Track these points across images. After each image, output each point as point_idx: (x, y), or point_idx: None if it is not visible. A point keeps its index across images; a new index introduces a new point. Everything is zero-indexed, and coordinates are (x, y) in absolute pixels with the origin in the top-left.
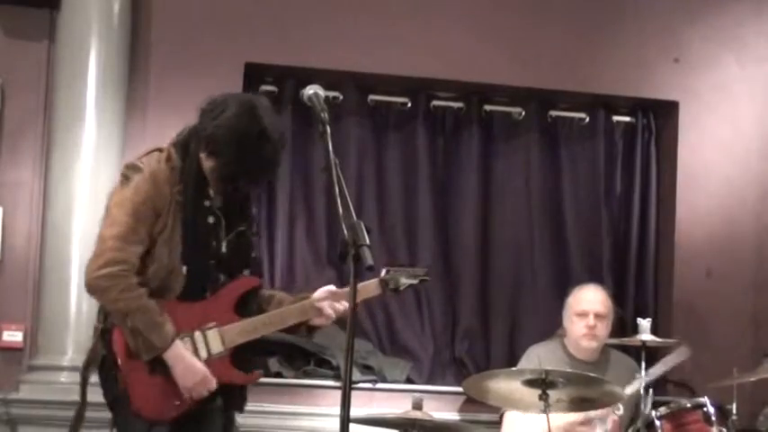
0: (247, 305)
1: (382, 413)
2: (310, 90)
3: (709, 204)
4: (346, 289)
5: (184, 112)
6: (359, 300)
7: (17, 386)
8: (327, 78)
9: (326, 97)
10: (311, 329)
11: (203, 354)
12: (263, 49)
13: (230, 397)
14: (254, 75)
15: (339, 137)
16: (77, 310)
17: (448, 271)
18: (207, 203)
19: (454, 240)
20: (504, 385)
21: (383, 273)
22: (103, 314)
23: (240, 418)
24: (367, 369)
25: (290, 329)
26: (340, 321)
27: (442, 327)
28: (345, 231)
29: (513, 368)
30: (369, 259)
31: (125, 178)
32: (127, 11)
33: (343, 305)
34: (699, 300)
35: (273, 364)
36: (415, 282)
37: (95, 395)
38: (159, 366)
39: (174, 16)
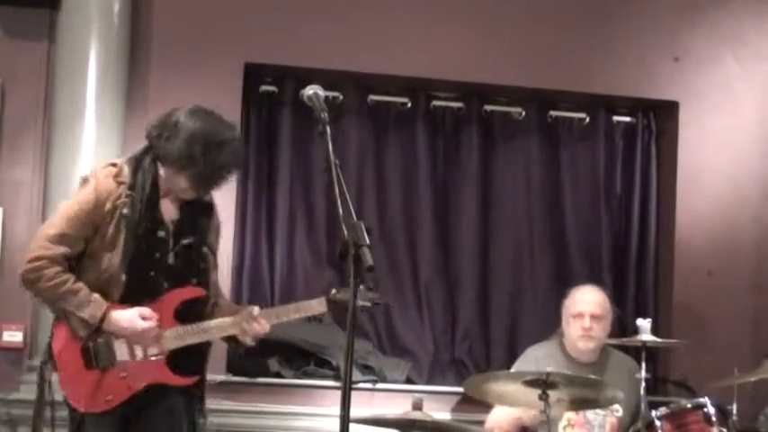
0: (190, 313)
1: (382, 413)
2: (310, 90)
3: (709, 204)
4: (273, 309)
5: None
6: (300, 316)
7: (17, 386)
8: (327, 78)
9: (326, 97)
10: (238, 344)
11: (139, 354)
12: (263, 49)
13: (178, 394)
14: (253, 75)
15: (339, 137)
16: None
17: (448, 271)
18: (156, 217)
19: (454, 240)
20: (505, 386)
21: (333, 291)
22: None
23: (240, 419)
24: (367, 369)
25: (224, 339)
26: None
27: (441, 327)
28: (345, 231)
29: (515, 370)
30: (369, 260)
31: (78, 188)
32: (127, 11)
33: (261, 327)
34: (699, 300)
35: (273, 364)
36: (367, 304)
37: None
38: (94, 361)
39: (174, 16)
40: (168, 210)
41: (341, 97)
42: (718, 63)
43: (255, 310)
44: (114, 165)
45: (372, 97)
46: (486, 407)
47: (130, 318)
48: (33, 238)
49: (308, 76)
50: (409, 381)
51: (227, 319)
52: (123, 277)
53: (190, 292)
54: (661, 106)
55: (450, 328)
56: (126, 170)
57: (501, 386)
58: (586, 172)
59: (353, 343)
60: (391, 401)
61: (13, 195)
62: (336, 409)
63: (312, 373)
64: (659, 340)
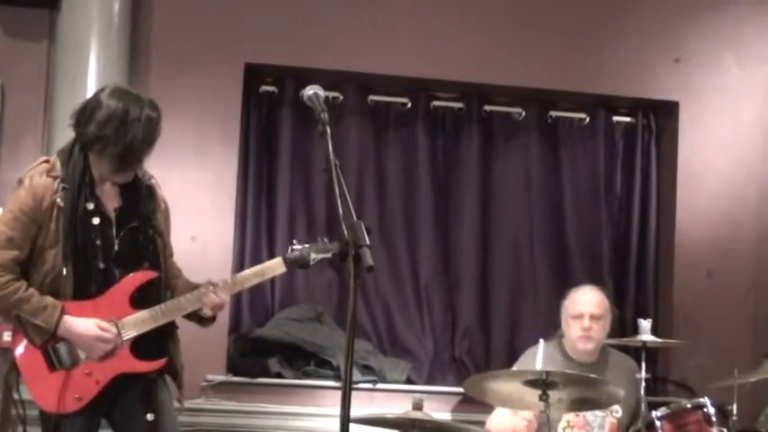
0: (146, 297)
1: (382, 413)
2: (310, 90)
3: (709, 204)
4: (232, 277)
5: (184, 111)
6: (265, 279)
7: (17, 387)
8: (327, 79)
9: (326, 97)
10: (202, 320)
11: None
12: (263, 50)
13: (152, 385)
14: (254, 75)
15: (339, 137)
16: None
17: (448, 271)
18: (90, 206)
19: (454, 240)
20: (505, 386)
21: (289, 250)
22: None
23: (241, 419)
24: (367, 369)
25: (187, 318)
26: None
27: (441, 327)
28: (345, 231)
29: (515, 369)
30: (369, 259)
31: (15, 190)
32: (127, 11)
33: (219, 297)
34: (699, 300)
35: (273, 364)
36: (327, 255)
37: None
38: (57, 362)
39: (174, 16)
40: (109, 197)
41: (341, 97)
42: (719, 64)
43: (213, 280)
44: (47, 161)
45: (372, 97)
46: (487, 407)
47: (87, 326)
48: None
49: (308, 77)
50: (409, 381)
51: (186, 297)
52: (64, 271)
53: (142, 276)
54: (661, 107)
55: (451, 328)
56: (58, 164)
57: (501, 386)
58: (586, 172)
59: (353, 343)
60: (391, 401)
61: None
62: (336, 410)
63: (312, 373)
64: (659, 340)
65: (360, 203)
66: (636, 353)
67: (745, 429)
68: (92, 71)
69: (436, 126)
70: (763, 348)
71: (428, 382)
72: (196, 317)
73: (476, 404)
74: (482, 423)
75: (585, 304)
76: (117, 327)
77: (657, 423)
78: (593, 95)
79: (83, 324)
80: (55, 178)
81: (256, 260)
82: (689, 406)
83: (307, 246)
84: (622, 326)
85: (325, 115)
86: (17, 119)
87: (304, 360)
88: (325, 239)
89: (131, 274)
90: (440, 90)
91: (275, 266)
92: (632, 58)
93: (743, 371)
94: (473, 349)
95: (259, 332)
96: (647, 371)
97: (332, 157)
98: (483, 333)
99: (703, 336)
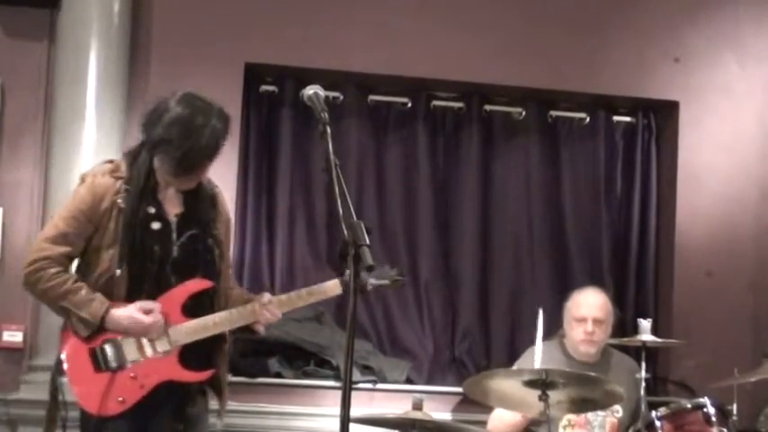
0: (199, 306)
1: (382, 413)
2: (310, 90)
3: (709, 204)
4: (286, 295)
5: None
6: (319, 299)
7: (17, 386)
8: (327, 78)
9: (326, 97)
10: (253, 333)
11: (149, 352)
12: (263, 50)
13: (188, 396)
14: (254, 75)
15: (339, 137)
16: None
17: (448, 271)
18: (151, 210)
19: (454, 240)
20: (505, 386)
21: (347, 272)
22: None
23: (241, 419)
24: (367, 369)
25: (237, 329)
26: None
27: (441, 327)
28: (345, 231)
29: (514, 368)
30: (369, 259)
31: (77, 186)
32: (127, 11)
33: (272, 315)
34: (699, 300)
35: (273, 364)
36: (385, 282)
37: None
38: (103, 363)
39: (174, 16)
40: (172, 203)
41: (341, 97)
42: (719, 64)
43: (266, 297)
44: (111, 161)
45: (372, 97)
46: (487, 407)
47: (131, 314)
48: (34, 241)
49: (308, 76)
50: (409, 381)
51: (238, 310)
52: (119, 272)
53: (197, 284)
54: (661, 106)
55: (450, 328)
56: (123, 165)
57: (500, 385)
58: (586, 172)
59: (353, 343)
60: (391, 401)
61: (13, 195)
62: (336, 410)
63: (312, 373)
64: (659, 340)
65: (360, 203)
66: (636, 353)
67: (745, 429)
68: (92, 71)
69: (436, 126)
70: (763, 348)
71: (428, 382)
72: (247, 330)
73: (476, 404)
74: (482, 423)
75: (589, 308)
76: (167, 333)
77: (657, 423)
78: (593, 95)
79: (128, 311)
80: (118, 179)
81: (256, 260)
82: (689, 406)
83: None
84: (622, 326)
85: (325, 115)
86: (17, 118)
87: (304, 360)
88: (386, 266)
89: (186, 282)
90: (440, 90)
91: (332, 288)
92: (632, 57)
93: (743, 371)
94: (473, 349)
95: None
96: (647, 371)
97: (332, 156)
98: (483, 333)
99: (703, 336)
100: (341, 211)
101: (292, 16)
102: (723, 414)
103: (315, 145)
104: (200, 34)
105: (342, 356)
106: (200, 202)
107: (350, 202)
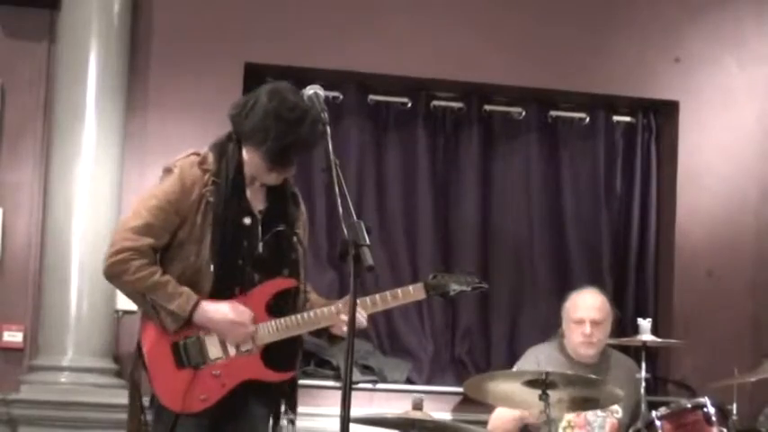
0: (282, 305)
1: (382, 413)
2: (310, 90)
3: (709, 204)
4: (369, 297)
5: (184, 111)
6: (398, 303)
7: (17, 386)
8: (327, 78)
9: (326, 97)
10: (331, 338)
11: (232, 351)
12: (262, 49)
13: (271, 396)
14: (253, 75)
15: (339, 137)
16: (77, 310)
17: (448, 271)
18: (242, 204)
19: (454, 240)
20: (505, 386)
21: (430, 277)
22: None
23: None
24: (367, 369)
25: (315, 333)
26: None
27: (441, 327)
28: (345, 231)
29: (514, 370)
30: (369, 259)
31: (160, 179)
32: (127, 11)
33: (360, 316)
34: (699, 300)
35: None
36: (466, 289)
37: (102, 397)
38: (186, 360)
39: (174, 16)
40: (256, 198)
41: (341, 97)
42: (719, 64)
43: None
44: (197, 154)
45: (372, 97)
46: (487, 407)
47: (224, 311)
48: (115, 230)
49: (307, 76)
50: (409, 381)
51: (321, 311)
52: (212, 268)
53: (282, 283)
54: (661, 106)
55: (450, 328)
56: (210, 157)
57: (500, 386)
58: (586, 172)
59: (354, 343)
60: (391, 402)
61: (14, 195)
62: (336, 410)
63: (312, 373)
64: (659, 340)
65: (360, 203)
66: (636, 353)
67: (745, 429)
68: (91, 71)
69: (436, 126)
70: (763, 348)
71: (428, 382)
72: (326, 334)
73: (476, 404)
74: (482, 423)
75: (587, 309)
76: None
77: (657, 423)
78: (593, 95)
79: (220, 309)
80: (206, 171)
81: None
82: (689, 406)
83: (447, 275)
84: (622, 325)
85: (325, 115)
86: (17, 119)
87: (304, 360)
88: (468, 272)
89: (272, 280)
90: (440, 90)
91: (416, 292)
92: (632, 57)
93: (743, 370)
94: (473, 349)
95: None
96: (646, 371)
97: (332, 156)
98: (483, 333)
99: (703, 335)
100: (341, 210)
101: (292, 16)
102: (723, 414)
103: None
104: (200, 34)
105: (342, 357)
106: (284, 199)
107: (350, 202)
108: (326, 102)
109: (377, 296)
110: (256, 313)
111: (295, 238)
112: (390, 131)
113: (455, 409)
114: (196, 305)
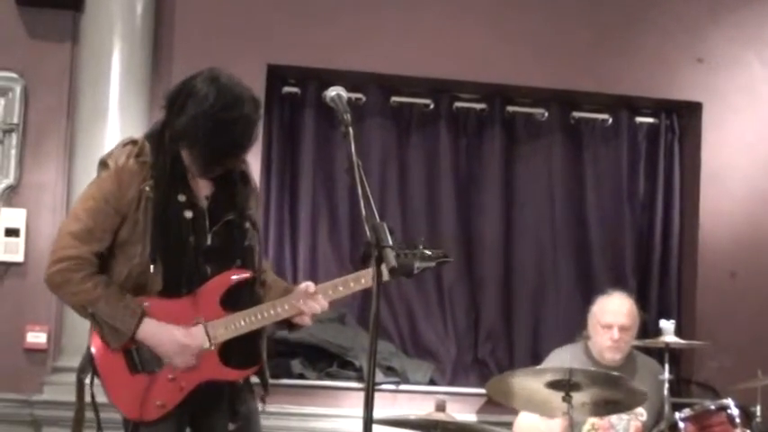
0: (238, 297)
1: (405, 414)
2: (333, 91)
3: (732, 205)
4: (329, 283)
5: None
6: (360, 288)
7: (41, 387)
8: (350, 80)
9: (349, 99)
10: (292, 327)
11: None
12: (285, 51)
13: (237, 394)
14: (276, 76)
15: (362, 138)
16: None
17: (471, 272)
18: (182, 198)
19: (477, 241)
20: (527, 387)
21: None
22: None
23: (263, 420)
24: (390, 370)
25: (277, 324)
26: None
27: (464, 328)
28: (368, 232)
29: (538, 367)
30: (392, 261)
31: (97, 173)
32: (150, 12)
33: (319, 304)
34: (722, 301)
35: (296, 365)
36: (431, 265)
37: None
38: (139, 365)
39: (197, 18)
40: (202, 185)
41: (364, 99)
42: (742, 64)
43: (311, 286)
44: (135, 142)
45: (395, 98)
46: (510, 408)
47: (172, 332)
48: (57, 235)
49: (330, 78)
50: (432, 382)
51: (282, 306)
52: (152, 268)
53: (233, 275)
54: (684, 107)
55: (473, 330)
56: (147, 147)
57: (523, 387)
58: (609, 173)
59: (376, 344)
60: (414, 403)
61: (37, 197)
62: (359, 411)
63: (335, 374)
64: (683, 342)
65: (382, 204)
66: (659, 354)
67: None
68: (114, 72)
69: (459, 127)
70: None
71: (451, 384)
72: (286, 323)
73: (499, 405)
74: (505, 424)
75: (615, 315)
76: (205, 329)
77: (681, 425)
78: (615, 96)
79: (166, 333)
80: (143, 164)
81: (279, 260)
82: (712, 407)
83: (411, 253)
84: (645, 327)
85: (348, 116)
86: (40, 119)
87: (327, 361)
88: (431, 246)
89: (224, 273)
90: (462, 91)
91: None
92: (655, 58)
93: (767, 372)
94: (496, 350)
95: (282, 333)
96: (670, 372)
97: (355, 157)
98: (506, 334)
99: (727, 337)
100: (364, 211)
101: (314, 18)
102: (747, 415)
103: (337, 146)
104: (223, 35)
105: (365, 358)
106: (232, 182)
107: (373, 203)
108: (349, 103)
109: (337, 281)
110: (210, 308)
111: (247, 224)
112: (413, 133)
113: (478, 411)
114: (139, 322)
